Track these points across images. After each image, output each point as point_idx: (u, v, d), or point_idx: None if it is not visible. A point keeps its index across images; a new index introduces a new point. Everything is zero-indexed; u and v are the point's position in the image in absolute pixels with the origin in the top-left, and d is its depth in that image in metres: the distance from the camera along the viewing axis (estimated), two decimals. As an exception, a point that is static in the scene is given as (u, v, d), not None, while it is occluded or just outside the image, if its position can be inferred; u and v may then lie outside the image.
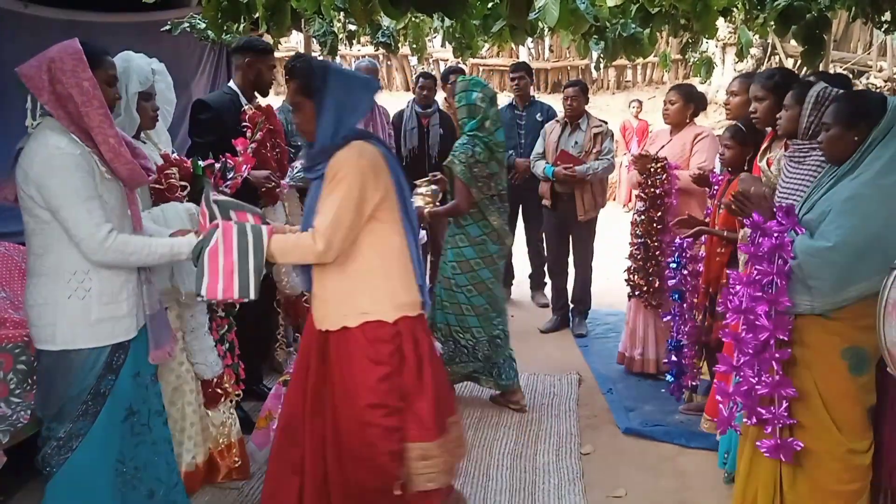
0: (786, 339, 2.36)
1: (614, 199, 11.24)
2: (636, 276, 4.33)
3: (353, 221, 2.32)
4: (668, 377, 3.88)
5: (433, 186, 4.10)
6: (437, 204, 4.06)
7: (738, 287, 2.50)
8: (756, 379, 2.41)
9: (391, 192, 2.43)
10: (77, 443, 2.26)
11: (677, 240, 3.68)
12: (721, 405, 2.60)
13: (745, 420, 2.48)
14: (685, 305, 3.69)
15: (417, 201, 4.00)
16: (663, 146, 4.28)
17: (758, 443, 2.44)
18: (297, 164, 3.82)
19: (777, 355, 2.37)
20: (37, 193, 2.14)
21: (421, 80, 5.60)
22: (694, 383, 3.79)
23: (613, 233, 7.44)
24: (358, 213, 2.32)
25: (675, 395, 3.89)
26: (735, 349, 2.55)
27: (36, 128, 2.21)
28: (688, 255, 3.64)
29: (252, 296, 2.33)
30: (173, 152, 3.07)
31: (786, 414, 2.37)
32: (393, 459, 2.41)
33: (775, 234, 2.37)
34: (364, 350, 2.39)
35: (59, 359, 2.24)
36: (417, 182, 4.19)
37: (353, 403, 2.41)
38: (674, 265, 3.72)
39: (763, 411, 2.41)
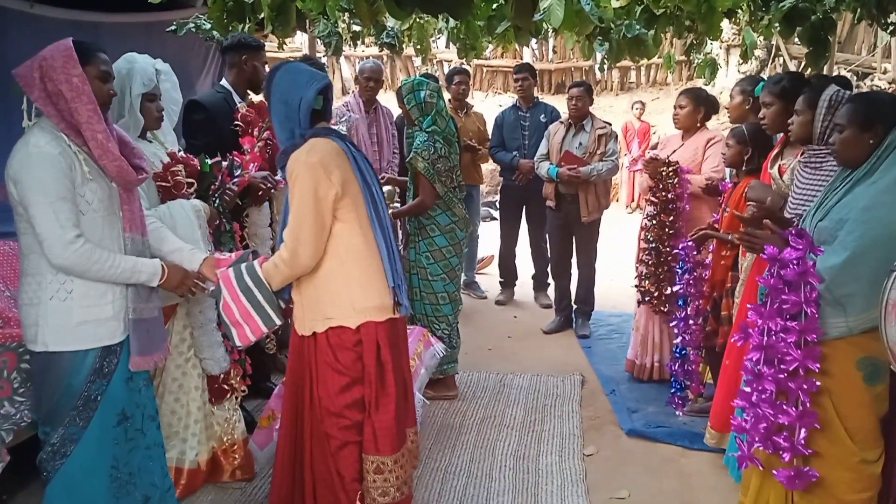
0: (816, 368, 2.25)
1: (617, 201, 11.22)
2: (647, 282, 4.24)
3: (315, 220, 2.28)
4: (673, 388, 3.85)
5: (388, 187, 4.18)
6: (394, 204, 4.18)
7: (758, 321, 2.37)
8: (775, 407, 2.32)
9: (352, 188, 2.34)
10: (71, 448, 2.26)
11: (681, 244, 3.67)
12: (738, 441, 2.52)
13: (758, 446, 2.41)
14: (689, 311, 3.68)
15: None
16: (675, 150, 4.24)
17: (774, 472, 2.37)
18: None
19: (805, 386, 2.27)
20: (14, 190, 2.15)
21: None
22: (701, 391, 3.77)
23: (616, 234, 7.45)
24: (317, 211, 2.28)
25: (676, 407, 3.84)
26: (750, 383, 2.45)
27: (28, 128, 2.22)
28: (693, 260, 3.63)
29: (277, 322, 2.43)
30: (180, 151, 3.07)
31: (803, 443, 2.29)
32: (350, 472, 2.41)
33: (796, 262, 2.24)
34: (327, 357, 2.39)
35: (44, 360, 2.24)
36: None
37: (318, 411, 2.42)
38: (679, 270, 3.71)
39: (780, 440, 2.33)
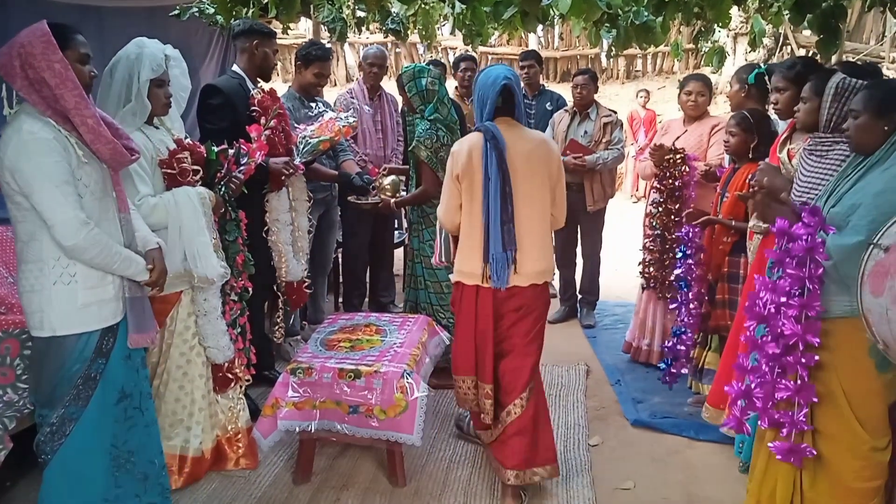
0: (816, 343, 2.27)
1: (621, 189, 11.18)
2: (651, 269, 4.27)
3: (446, 191, 2.93)
4: (662, 364, 3.84)
5: (392, 177, 4.12)
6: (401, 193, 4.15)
7: (763, 294, 2.40)
8: (774, 382, 2.35)
9: (470, 177, 2.81)
10: (70, 427, 2.27)
11: (683, 229, 3.65)
12: (734, 405, 2.55)
13: (759, 423, 2.44)
14: (690, 295, 3.66)
15: (381, 195, 4.06)
16: (678, 137, 4.21)
17: (770, 445, 2.40)
18: (301, 131, 3.84)
19: (803, 360, 2.30)
20: (12, 180, 2.13)
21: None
22: (683, 371, 3.75)
23: (621, 223, 7.41)
24: (447, 186, 2.91)
25: (667, 383, 3.81)
26: (750, 352, 2.49)
27: (13, 115, 2.19)
28: (695, 245, 3.61)
29: (442, 260, 3.44)
30: (186, 137, 3.05)
31: (804, 419, 2.31)
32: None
33: (805, 238, 2.26)
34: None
35: (49, 345, 2.24)
36: (376, 177, 4.21)
37: None
38: (680, 255, 3.69)
39: (778, 415, 2.35)
